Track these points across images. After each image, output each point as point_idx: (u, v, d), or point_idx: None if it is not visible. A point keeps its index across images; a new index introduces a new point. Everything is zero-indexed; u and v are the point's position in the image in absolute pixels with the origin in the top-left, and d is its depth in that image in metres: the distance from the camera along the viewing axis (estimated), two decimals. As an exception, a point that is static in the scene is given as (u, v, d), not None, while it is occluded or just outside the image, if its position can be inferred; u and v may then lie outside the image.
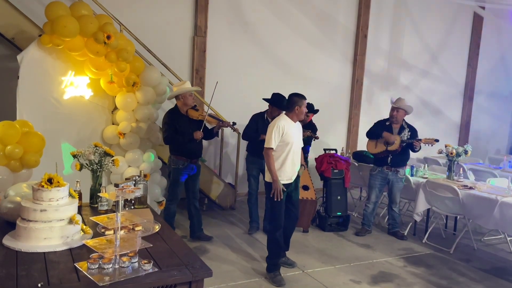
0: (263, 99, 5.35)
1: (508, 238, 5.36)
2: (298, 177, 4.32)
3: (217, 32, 6.90)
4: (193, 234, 5.16)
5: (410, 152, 5.51)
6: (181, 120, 4.83)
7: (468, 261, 4.98)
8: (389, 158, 5.43)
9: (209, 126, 5.10)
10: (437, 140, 5.25)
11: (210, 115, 4.96)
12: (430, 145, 5.29)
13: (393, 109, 5.46)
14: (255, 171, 5.43)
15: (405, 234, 5.61)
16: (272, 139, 4.06)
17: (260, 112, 5.42)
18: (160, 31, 6.43)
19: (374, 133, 5.58)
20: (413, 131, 5.47)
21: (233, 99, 6.97)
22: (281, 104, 5.09)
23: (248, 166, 5.50)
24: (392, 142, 5.36)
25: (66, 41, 4.63)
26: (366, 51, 8.24)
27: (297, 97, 4.19)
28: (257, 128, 5.27)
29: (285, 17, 7.46)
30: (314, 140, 5.76)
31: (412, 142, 5.28)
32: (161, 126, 5.74)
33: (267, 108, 5.35)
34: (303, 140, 4.51)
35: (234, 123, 5.02)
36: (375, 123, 5.72)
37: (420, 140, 5.28)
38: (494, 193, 4.90)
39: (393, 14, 8.54)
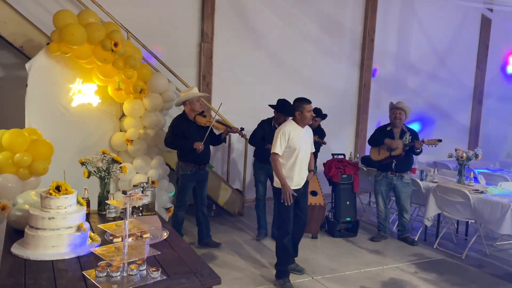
0: (269, 105, 5.33)
1: (521, 243, 5.28)
2: (307, 182, 4.28)
3: (224, 38, 6.91)
4: (201, 240, 5.13)
5: (414, 156, 5.47)
6: (188, 126, 4.83)
7: (481, 266, 4.89)
8: (394, 164, 5.39)
9: (217, 132, 5.09)
10: (440, 140, 5.19)
11: (217, 121, 4.96)
12: (433, 146, 5.23)
13: (394, 112, 5.42)
14: (262, 177, 5.41)
15: (416, 239, 5.53)
16: (278, 145, 4.03)
17: (268, 119, 5.41)
18: (167, 38, 6.45)
19: (376, 140, 5.55)
20: (414, 134, 5.44)
21: (240, 105, 6.96)
22: (283, 109, 5.08)
23: (256, 172, 5.48)
24: (395, 147, 5.32)
25: (74, 49, 4.66)
26: (373, 55, 8.20)
27: (297, 102, 4.15)
28: (263, 135, 5.25)
29: (291, 22, 7.45)
30: (321, 145, 5.72)
31: (414, 144, 5.24)
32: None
33: (263, 113, 5.35)
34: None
35: (242, 129, 5.01)
36: (376, 130, 5.72)
37: (423, 141, 5.23)
38: (506, 197, 4.83)
39: (399, 18, 8.50)
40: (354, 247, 5.39)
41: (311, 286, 4.22)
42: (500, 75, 9.92)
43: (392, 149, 5.34)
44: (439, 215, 5.55)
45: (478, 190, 5.16)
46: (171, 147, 4.96)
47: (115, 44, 4.68)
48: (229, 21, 6.95)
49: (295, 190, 4.13)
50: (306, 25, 7.58)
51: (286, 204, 4.06)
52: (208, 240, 5.13)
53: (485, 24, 9.42)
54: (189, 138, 4.78)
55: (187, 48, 6.69)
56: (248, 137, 5.55)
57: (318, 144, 5.64)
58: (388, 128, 5.50)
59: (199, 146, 4.74)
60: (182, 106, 4.98)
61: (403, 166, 5.39)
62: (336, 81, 8.00)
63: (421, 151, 5.33)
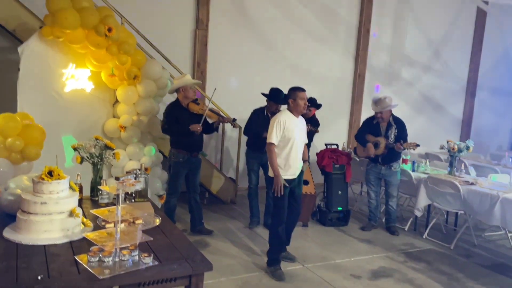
0: (262, 94, 5.33)
1: (509, 234, 5.35)
2: (301, 172, 4.31)
3: (219, 25, 6.86)
4: (194, 228, 5.16)
5: None
6: (182, 113, 4.82)
7: (469, 256, 4.98)
8: (379, 158, 5.44)
9: (210, 121, 5.09)
10: (418, 145, 5.20)
11: (211, 110, 4.95)
12: (412, 149, 5.26)
13: (375, 113, 5.44)
14: (255, 165, 5.42)
15: (397, 230, 5.58)
16: (274, 134, 4.04)
17: (261, 107, 5.41)
18: (161, 24, 6.40)
19: (361, 138, 5.61)
20: (401, 127, 5.41)
21: (234, 92, 6.95)
22: (276, 98, 5.10)
23: (249, 161, 5.49)
24: (373, 154, 5.38)
25: (67, 33, 4.61)
26: (368, 46, 8.19)
27: (291, 90, 4.16)
28: (258, 124, 5.26)
29: (287, 11, 7.41)
30: (314, 134, 5.73)
31: (393, 146, 5.25)
32: (161, 119, 5.72)
33: (258, 102, 5.36)
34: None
35: (234, 119, 5.01)
36: (363, 123, 5.76)
37: (402, 144, 5.21)
38: (496, 189, 4.89)
39: (396, 9, 8.48)
40: (345, 236, 5.45)
41: (302, 274, 4.27)
42: (493, 68, 9.97)
43: (376, 144, 5.40)
44: (429, 205, 5.62)
45: (468, 181, 5.22)
46: (168, 133, 4.96)
47: (109, 29, 4.63)
48: (225, 8, 6.89)
49: (290, 180, 4.15)
50: (302, 13, 7.54)
51: (276, 195, 4.08)
52: (201, 228, 5.16)
53: (480, 17, 9.43)
54: (181, 125, 4.77)
55: (181, 35, 6.64)
56: (241, 126, 5.55)
57: (311, 133, 5.65)
58: (375, 121, 5.52)
59: (197, 128, 4.71)
60: (176, 93, 4.96)
61: (390, 158, 5.43)
62: (330, 71, 8.00)
63: (404, 149, 5.33)
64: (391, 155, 5.41)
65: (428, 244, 5.29)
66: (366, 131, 5.58)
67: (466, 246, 5.29)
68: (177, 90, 4.88)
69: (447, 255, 4.99)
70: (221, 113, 5.10)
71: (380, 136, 5.43)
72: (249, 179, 5.49)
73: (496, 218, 4.68)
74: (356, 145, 5.89)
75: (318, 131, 5.70)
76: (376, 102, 5.43)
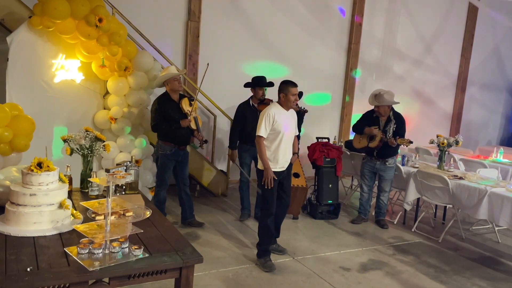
0: (244, 85, 5.33)
1: (496, 228, 5.44)
2: (290, 165, 4.33)
3: (211, 17, 6.82)
4: (185, 220, 5.16)
5: None
6: (170, 105, 4.79)
7: (456, 250, 5.05)
8: (375, 152, 5.46)
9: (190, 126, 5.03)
10: (411, 142, 5.22)
11: (194, 118, 4.90)
12: (405, 145, 5.29)
13: (375, 107, 5.43)
14: (247, 159, 5.43)
15: (386, 223, 5.64)
16: (263, 127, 4.05)
17: (245, 101, 5.41)
18: (153, 15, 6.34)
19: (358, 128, 5.61)
20: (400, 122, 5.38)
21: (225, 84, 6.93)
22: (259, 82, 5.18)
23: (241, 154, 5.49)
24: (373, 134, 5.37)
25: (57, 23, 4.55)
26: (360, 40, 8.21)
27: (283, 84, 4.15)
28: (245, 117, 5.27)
29: (279, 3, 7.39)
30: (304, 115, 5.64)
31: (387, 140, 5.26)
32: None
33: (251, 94, 5.35)
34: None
35: (205, 141, 5.03)
36: (362, 115, 5.73)
37: (395, 139, 5.24)
38: (484, 183, 4.95)
39: (388, 3, 8.49)
40: (335, 229, 5.49)
41: (292, 266, 4.30)
42: (484, 63, 10.05)
43: (371, 139, 5.41)
44: (418, 199, 5.68)
45: (457, 176, 5.28)
46: (157, 132, 4.87)
47: (100, 20, 4.58)
48: (217, 0, 6.85)
49: (279, 172, 4.17)
50: (295, 6, 7.52)
51: (266, 187, 4.10)
52: (192, 220, 5.17)
53: (472, 12, 9.48)
54: (169, 117, 4.75)
55: (173, 26, 6.59)
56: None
57: (301, 119, 5.54)
58: (375, 115, 5.51)
59: (187, 123, 4.75)
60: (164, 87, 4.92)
61: (385, 153, 5.44)
62: (322, 64, 8.00)
63: (398, 144, 5.34)
64: (387, 150, 5.40)
65: (417, 237, 5.35)
66: (365, 123, 5.56)
67: (454, 239, 5.36)
68: (164, 83, 4.84)
69: (435, 248, 5.05)
70: (200, 127, 5.03)
71: (378, 130, 5.43)
72: (240, 172, 5.49)
73: (484, 212, 4.74)
74: (347, 139, 5.90)
75: (307, 111, 5.64)
76: (376, 96, 5.42)
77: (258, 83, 5.24)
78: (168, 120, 4.74)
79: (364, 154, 5.74)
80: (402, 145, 5.31)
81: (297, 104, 5.21)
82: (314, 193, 5.96)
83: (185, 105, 4.84)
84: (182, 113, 4.80)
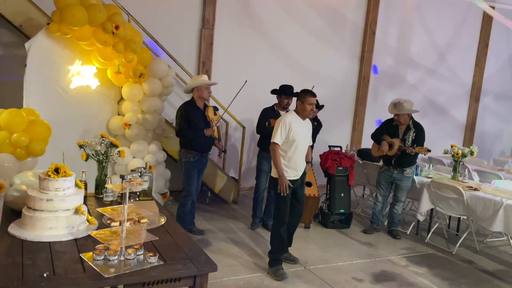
0: (271, 91, 5.33)
1: (511, 241, 5.35)
2: (304, 173, 4.31)
3: (225, 25, 6.86)
4: (185, 227, 5.12)
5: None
6: (195, 113, 4.79)
7: (470, 262, 4.97)
8: (393, 160, 5.41)
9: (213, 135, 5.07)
10: (429, 150, 5.18)
11: (218, 128, 4.95)
12: (423, 154, 5.26)
13: (394, 115, 5.40)
14: (266, 166, 5.35)
15: (399, 234, 5.57)
16: (278, 134, 4.04)
17: (269, 106, 5.40)
18: (167, 23, 6.40)
19: (376, 138, 5.58)
20: (419, 131, 5.35)
21: (239, 93, 6.92)
22: (286, 91, 5.18)
23: (261, 161, 5.41)
24: (386, 151, 5.35)
25: (74, 30, 4.62)
26: (373, 48, 8.19)
27: (301, 93, 4.16)
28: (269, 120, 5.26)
29: (293, 11, 7.41)
30: (319, 126, 5.63)
31: (406, 149, 5.23)
32: (167, 119, 5.73)
33: (275, 102, 5.35)
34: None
35: (224, 151, 5.09)
36: (382, 123, 5.68)
37: (414, 148, 5.20)
38: (499, 195, 4.88)
39: (402, 12, 8.47)
40: (347, 238, 5.45)
41: (304, 275, 4.27)
42: (498, 73, 9.95)
43: (390, 145, 5.38)
44: (431, 210, 5.61)
45: (471, 187, 5.21)
46: (183, 137, 4.84)
47: (116, 27, 4.64)
48: (231, 8, 6.89)
49: (292, 181, 4.16)
50: (308, 15, 7.54)
51: (282, 195, 4.08)
52: (192, 227, 5.14)
53: (486, 22, 9.41)
54: (193, 125, 4.75)
55: (187, 34, 6.64)
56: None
57: (316, 131, 5.50)
58: (394, 123, 5.47)
59: (211, 132, 4.78)
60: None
61: (404, 163, 5.38)
62: (335, 73, 7.99)
63: (416, 153, 5.30)
64: (405, 159, 5.35)
65: (430, 249, 5.28)
66: (384, 131, 5.53)
67: (467, 251, 5.28)
68: (192, 90, 4.86)
69: (449, 260, 4.98)
70: (221, 137, 5.09)
71: (397, 138, 5.40)
72: (258, 182, 5.45)
73: (499, 224, 4.67)
74: (360, 147, 5.87)
75: (323, 106, 5.61)
76: (395, 104, 5.40)
77: (285, 91, 5.22)
78: (192, 127, 4.76)
79: (381, 163, 5.69)
80: (420, 154, 5.26)
81: (316, 116, 5.21)
82: (326, 202, 5.93)
83: (210, 113, 4.86)
84: (206, 121, 4.82)
